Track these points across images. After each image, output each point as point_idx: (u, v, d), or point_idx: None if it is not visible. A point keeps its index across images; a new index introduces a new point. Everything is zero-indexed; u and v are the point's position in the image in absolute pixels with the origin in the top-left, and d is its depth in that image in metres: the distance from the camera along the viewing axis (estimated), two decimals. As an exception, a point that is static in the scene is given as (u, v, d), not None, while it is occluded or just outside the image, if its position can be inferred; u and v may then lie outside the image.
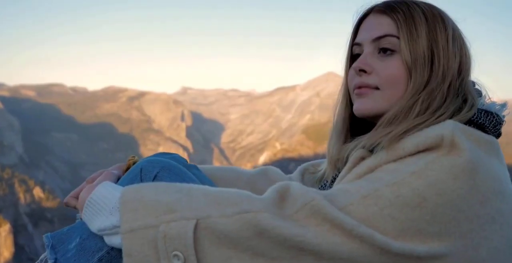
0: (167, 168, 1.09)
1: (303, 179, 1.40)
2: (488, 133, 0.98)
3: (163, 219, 0.86)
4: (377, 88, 1.05)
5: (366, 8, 1.12)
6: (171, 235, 0.85)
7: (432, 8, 1.06)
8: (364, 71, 1.06)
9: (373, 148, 0.98)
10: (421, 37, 1.02)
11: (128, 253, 0.87)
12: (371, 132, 1.02)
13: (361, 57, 1.08)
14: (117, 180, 1.11)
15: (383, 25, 1.06)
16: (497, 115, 1.02)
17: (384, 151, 0.94)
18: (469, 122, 0.98)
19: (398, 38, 1.03)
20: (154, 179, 1.07)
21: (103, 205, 0.96)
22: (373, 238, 0.81)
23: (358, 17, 1.14)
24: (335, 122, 1.20)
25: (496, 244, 0.88)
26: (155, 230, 0.86)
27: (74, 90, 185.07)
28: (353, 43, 1.14)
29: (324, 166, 1.28)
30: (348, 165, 1.00)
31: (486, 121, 0.99)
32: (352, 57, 1.14)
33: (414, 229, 0.83)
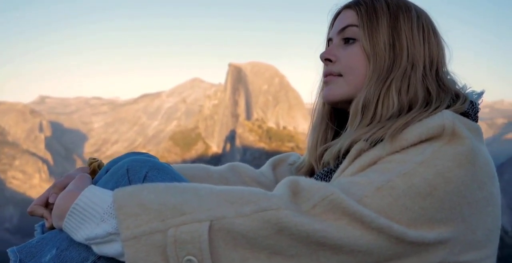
0: (156, 168, 1.02)
1: (274, 173, 1.39)
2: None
3: (171, 223, 0.82)
4: (340, 75, 1.12)
5: (339, 7, 1.19)
6: (183, 239, 0.81)
7: (398, 0, 1.12)
8: (330, 60, 1.13)
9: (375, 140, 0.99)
10: (381, 26, 1.07)
11: (133, 262, 0.82)
12: (370, 125, 1.02)
13: (327, 48, 1.17)
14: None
15: (347, 17, 1.13)
16: (476, 103, 1.07)
17: (386, 143, 0.95)
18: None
19: (358, 27, 1.10)
20: (144, 179, 1.00)
21: (92, 212, 0.88)
22: (391, 229, 0.82)
23: (332, 15, 1.21)
24: (315, 117, 1.25)
25: (489, 225, 0.94)
26: (163, 235, 0.81)
27: None
28: (328, 39, 1.21)
29: (304, 158, 1.28)
30: (350, 157, 1.00)
31: (470, 109, 1.04)
32: None
33: (425, 217, 0.85)
